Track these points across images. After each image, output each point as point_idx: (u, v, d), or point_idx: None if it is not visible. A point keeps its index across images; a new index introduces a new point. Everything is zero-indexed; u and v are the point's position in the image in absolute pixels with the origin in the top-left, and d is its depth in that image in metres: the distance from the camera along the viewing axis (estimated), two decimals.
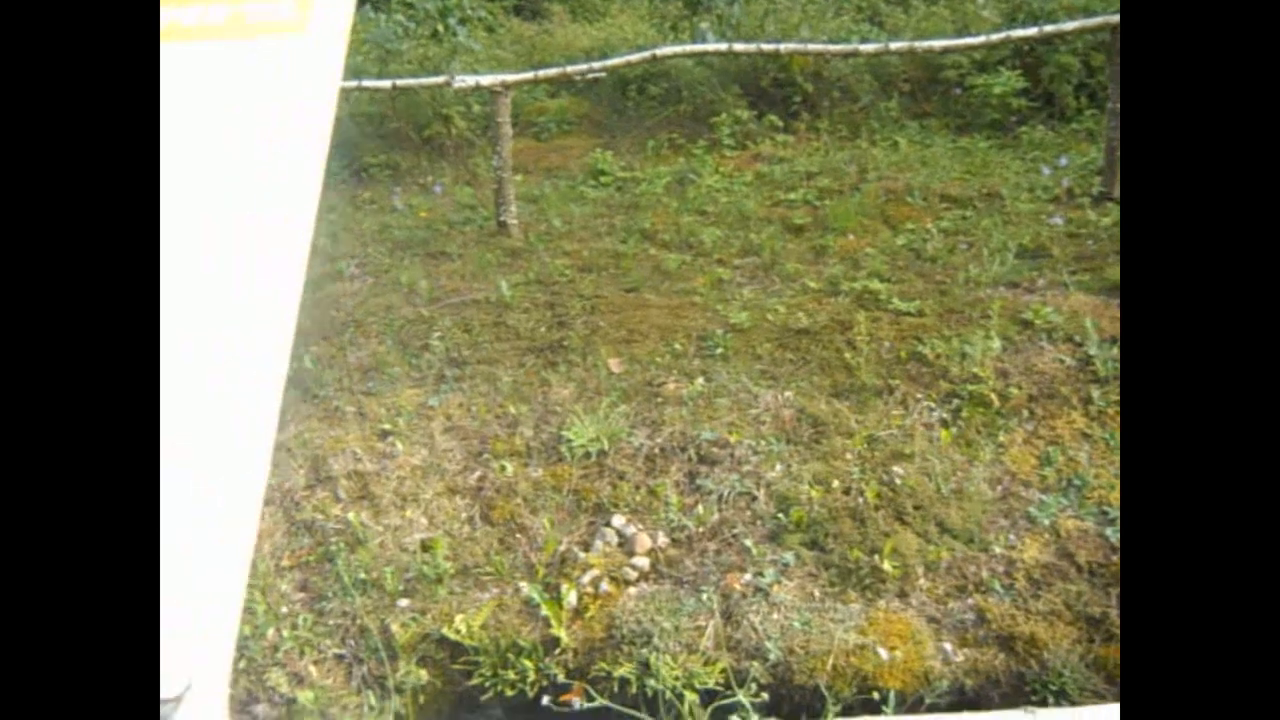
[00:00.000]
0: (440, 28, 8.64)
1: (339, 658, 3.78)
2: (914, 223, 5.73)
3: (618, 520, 4.00)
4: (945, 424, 4.18)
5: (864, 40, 7.98)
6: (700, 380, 4.54)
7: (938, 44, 6.73)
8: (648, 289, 5.42)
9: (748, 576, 3.74)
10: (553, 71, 6.89)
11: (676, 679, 3.43)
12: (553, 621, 3.67)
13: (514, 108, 6.82)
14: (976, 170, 6.43)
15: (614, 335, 4.95)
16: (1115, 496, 3.81)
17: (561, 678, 3.57)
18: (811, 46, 7.17)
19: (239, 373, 0.95)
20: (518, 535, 4.04)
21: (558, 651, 3.64)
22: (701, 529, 3.93)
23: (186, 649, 0.88)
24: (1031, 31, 6.36)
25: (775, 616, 3.59)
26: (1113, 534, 3.68)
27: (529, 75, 6.86)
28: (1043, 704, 3.14)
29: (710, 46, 7.18)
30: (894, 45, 6.70)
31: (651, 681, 3.41)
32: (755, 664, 3.46)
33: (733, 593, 3.70)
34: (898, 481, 3.95)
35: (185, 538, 0.94)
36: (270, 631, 3.74)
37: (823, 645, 3.46)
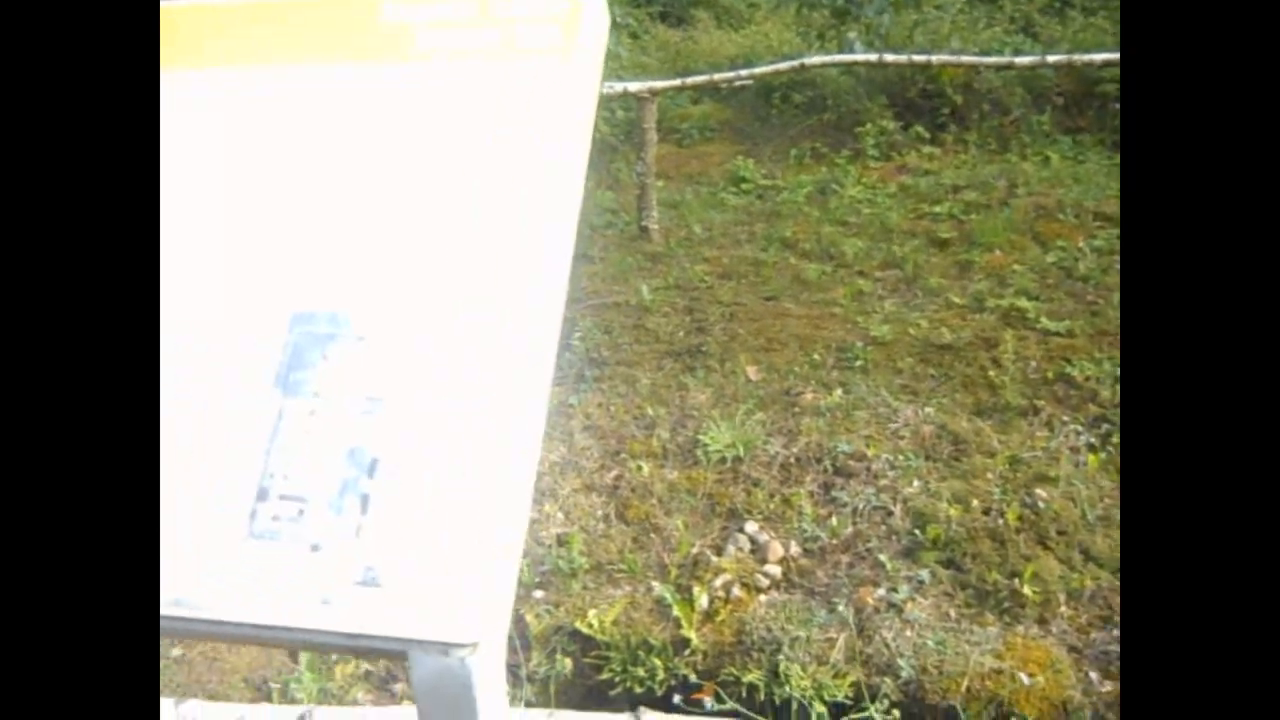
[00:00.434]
0: None
1: None
2: (1065, 240, 5.59)
3: (751, 527, 4.02)
4: (1093, 449, 4.07)
5: (1018, 52, 7.81)
6: (838, 392, 4.53)
7: (1097, 57, 6.54)
8: (787, 298, 5.42)
9: (881, 591, 3.71)
10: (699, 79, 6.94)
11: (806, 689, 3.43)
12: (683, 622, 3.72)
13: (658, 114, 6.90)
14: None
15: (752, 343, 4.97)
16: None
17: (691, 678, 3.61)
18: (964, 58, 7.05)
19: (501, 398, 1.02)
20: (651, 535, 4.09)
21: (687, 652, 3.68)
22: (835, 541, 3.92)
23: (475, 603, 0.95)
24: None
25: (908, 634, 3.56)
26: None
27: (676, 82, 6.93)
28: None
29: (859, 57, 7.14)
30: (1051, 58, 6.55)
31: (780, 689, 3.43)
32: (887, 680, 3.44)
33: (865, 607, 3.68)
34: (1040, 505, 3.87)
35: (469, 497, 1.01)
36: None
37: (957, 666, 3.42)
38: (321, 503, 1.02)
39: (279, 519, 1.02)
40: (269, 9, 1.19)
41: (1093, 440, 4.10)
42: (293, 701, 3.50)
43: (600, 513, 4.22)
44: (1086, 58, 6.54)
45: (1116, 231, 5.63)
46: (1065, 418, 4.21)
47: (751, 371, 4.76)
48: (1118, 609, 3.51)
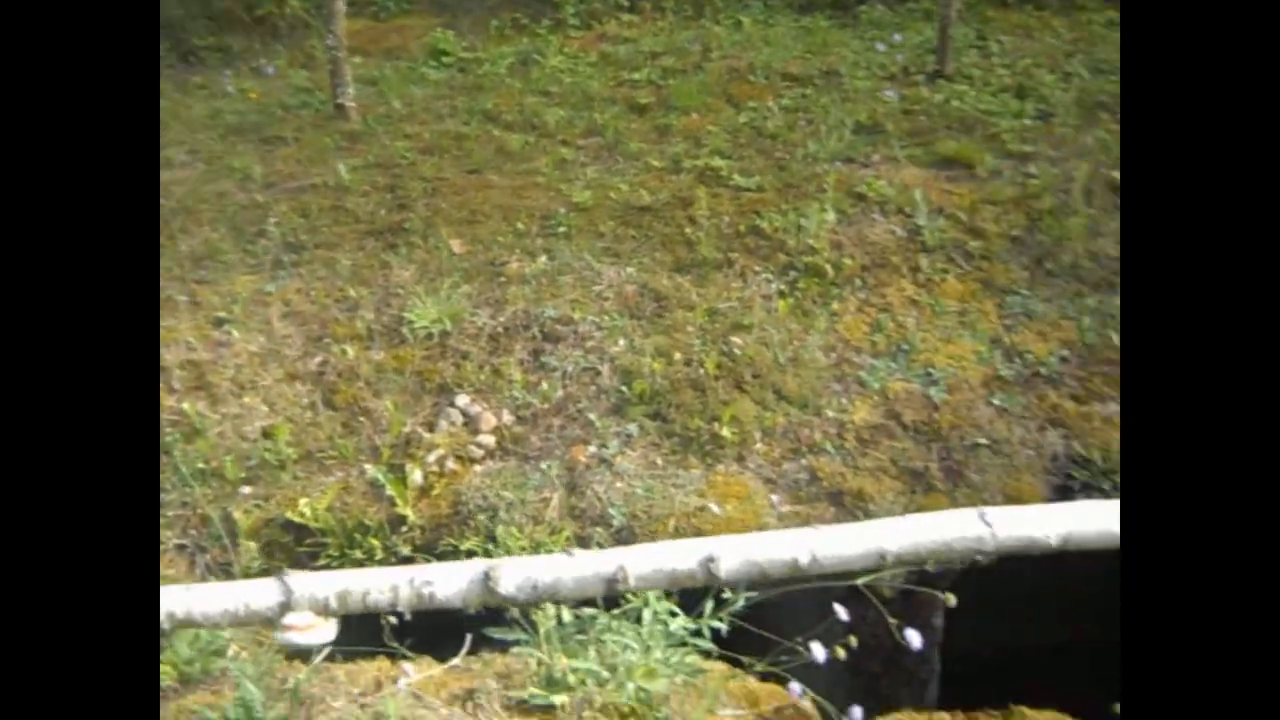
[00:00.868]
0: None
1: (180, 548, 3.72)
2: (756, 101, 5.76)
3: (462, 400, 4.01)
4: (783, 295, 4.29)
5: None
6: (543, 259, 4.53)
7: None
8: (490, 170, 5.33)
9: (592, 449, 3.82)
10: None
11: (523, 548, 3.50)
12: (398, 500, 3.69)
13: None
14: (817, 49, 6.47)
15: (456, 216, 4.88)
16: (939, 359, 4.00)
17: (408, 553, 3.60)
18: None
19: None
20: (361, 419, 4.01)
21: (404, 529, 3.67)
22: (546, 405, 3.97)
23: None
24: None
25: (619, 485, 3.68)
26: (935, 393, 3.87)
27: None
28: None
29: None
30: None
31: (498, 552, 3.48)
32: (599, 530, 3.56)
33: (577, 465, 3.77)
34: (737, 352, 4.06)
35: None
36: None
37: (664, 509, 3.58)
38: None
39: None
40: None
41: (782, 287, 4.33)
42: None
43: (306, 400, 4.08)
44: None
45: (803, 91, 5.86)
46: (757, 268, 4.41)
47: (456, 245, 4.68)
48: (805, 440, 3.77)
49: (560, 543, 3.50)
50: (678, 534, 3.49)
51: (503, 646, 2.88)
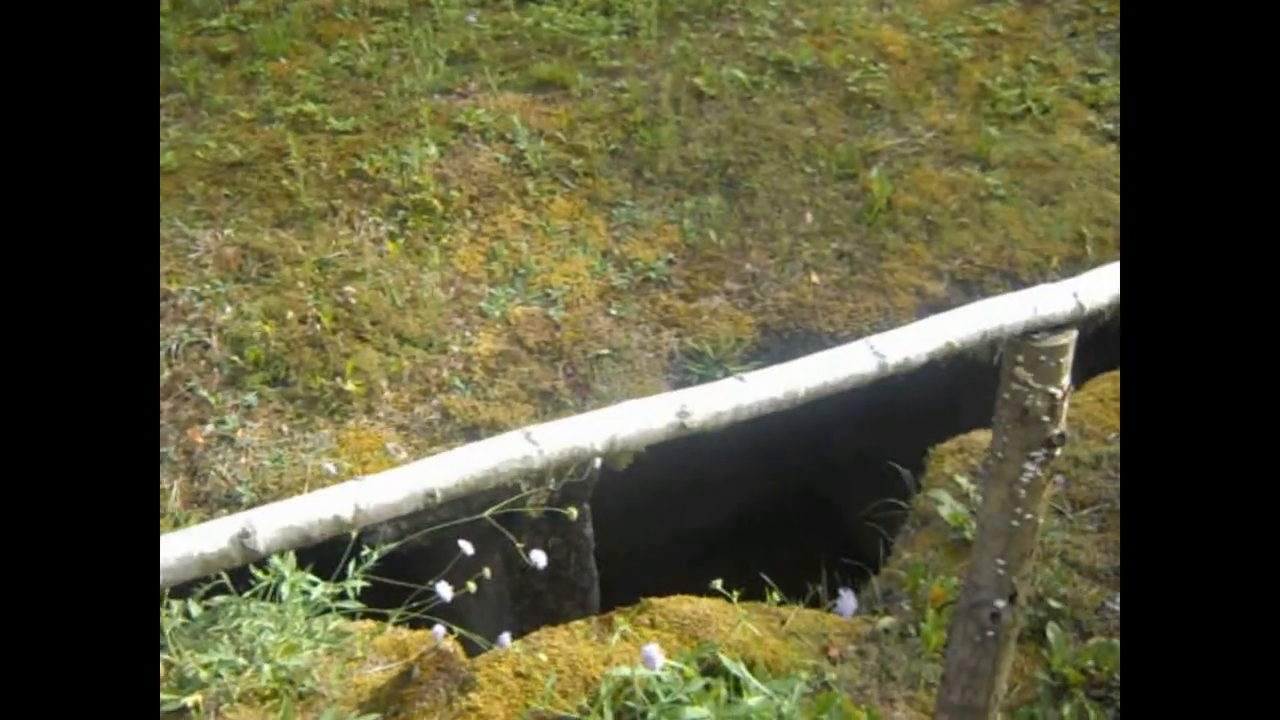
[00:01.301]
0: None
1: None
2: (347, 39, 5.53)
3: None
4: (393, 236, 4.20)
5: None
6: None
7: None
8: None
9: (209, 427, 3.59)
10: None
11: None
12: None
13: None
14: None
15: None
16: (555, 278, 4.07)
17: None
18: None
19: None
20: None
21: None
22: None
23: None
24: None
25: (244, 460, 3.49)
26: (555, 313, 3.95)
27: None
28: None
29: None
30: None
31: None
32: (227, 511, 3.36)
33: (195, 447, 3.54)
34: (353, 301, 3.93)
35: None
36: None
37: (296, 476, 3.44)
38: None
39: None
40: None
41: (392, 228, 4.23)
42: None
43: None
44: None
45: (394, 25, 5.69)
46: (363, 212, 4.27)
47: None
48: (434, 381, 3.73)
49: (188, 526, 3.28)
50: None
51: None
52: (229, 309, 3.89)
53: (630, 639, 2.51)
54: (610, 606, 2.94)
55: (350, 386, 3.65)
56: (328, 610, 2.73)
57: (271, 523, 1.21)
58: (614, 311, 3.98)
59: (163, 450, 3.52)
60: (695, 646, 2.43)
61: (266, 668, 2.46)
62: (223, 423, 3.58)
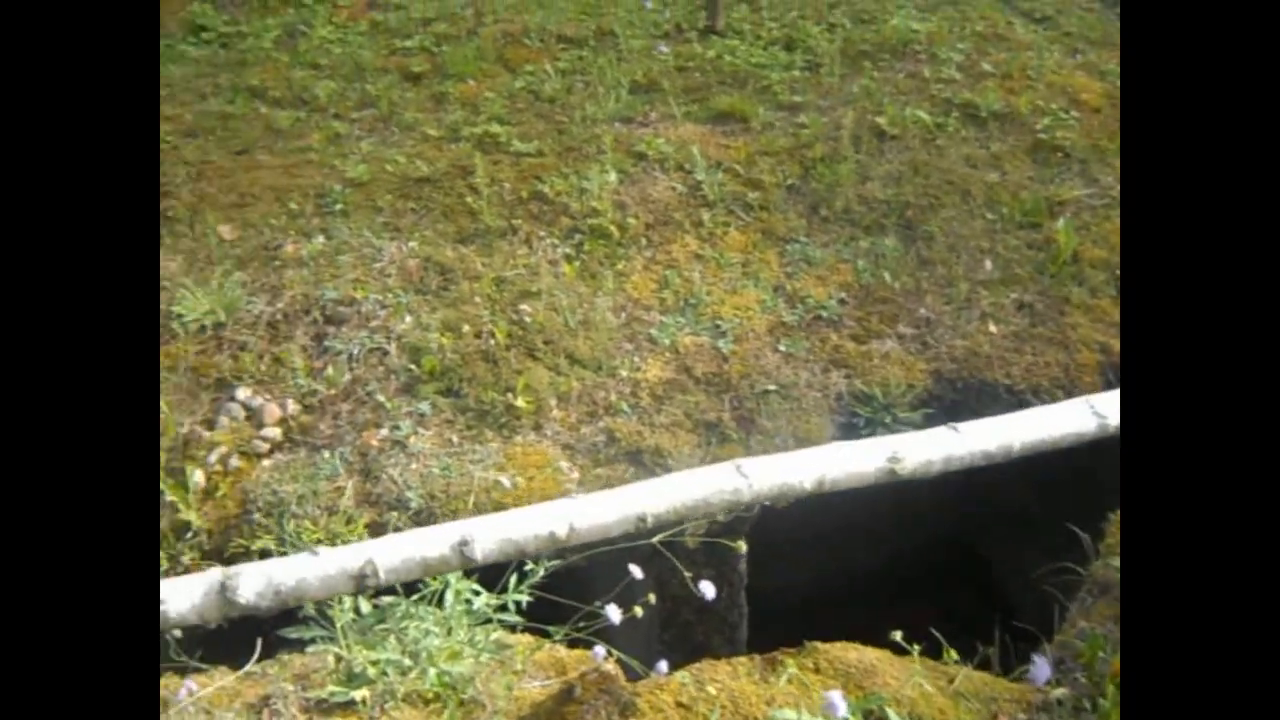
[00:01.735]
0: None
1: None
2: (532, 64, 5.69)
3: (243, 393, 3.81)
4: (569, 258, 4.27)
5: None
6: (320, 239, 4.35)
7: None
8: (259, 150, 5.07)
9: (384, 432, 3.70)
10: None
11: (318, 542, 3.37)
12: (180, 505, 3.48)
13: None
14: (590, 10, 6.44)
15: (224, 201, 4.62)
16: (725, 310, 4.07)
17: (196, 561, 3.41)
18: None
19: None
20: None
21: (190, 535, 3.46)
22: (333, 391, 3.83)
23: None
24: None
25: (414, 466, 3.59)
26: (724, 345, 3.94)
27: None
28: None
29: None
30: None
31: (293, 548, 3.34)
32: (397, 514, 3.46)
33: (370, 450, 3.65)
34: (527, 319, 4.01)
35: None
36: None
37: (463, 486, 3.51)
38: None
39: None
40: None
41: (568, 251, 4.30)
42: None
43: None
44: None
45: (579, 53, 5.82)
46: (542, 233, 4.37)
47: (225, 230, 4.43)
48: (601, 403, 3.77)
49: (358, 531, 3.39)
50: (478, 511, 3.43)
51: (301, 646, 2.77)
52: (409, 319, 4.02)
53: (794, 681, 2.46)
54: (756, 644, 2.90)
55: (520, 403, 3.72)
56: (489, 620, 2.77)
57: (490, 534, 1.23)
58: (783, 348, 3.95)
59: (339, 450, 3.65)
60: (860, 696, 2.37)
61: (431, 671, 2.51)
62: (397, 428, 3.69)
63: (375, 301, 4.08)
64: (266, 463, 3.66)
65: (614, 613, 2.35)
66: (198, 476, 3.55)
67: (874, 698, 2.32)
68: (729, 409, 3.76)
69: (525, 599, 2.86)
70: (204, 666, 2.63)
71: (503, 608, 2.87)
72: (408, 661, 2.60)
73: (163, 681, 2.60)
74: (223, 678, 2.61)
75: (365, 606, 2.77)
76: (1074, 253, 4.21)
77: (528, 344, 3.94)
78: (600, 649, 2.62)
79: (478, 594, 2.86)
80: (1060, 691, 2.61)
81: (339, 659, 2.59)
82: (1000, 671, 2.67)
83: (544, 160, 4.73)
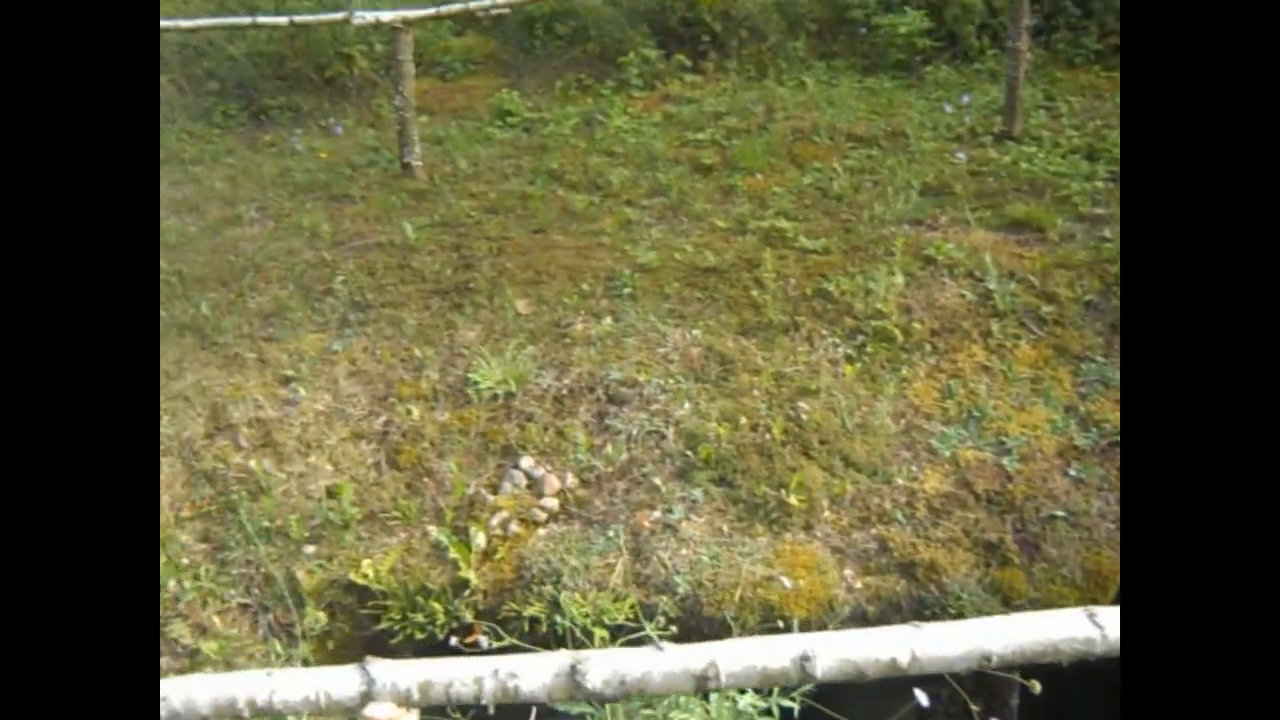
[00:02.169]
0: None
1: (244, 607, 3.72)
2: (821, 162, 5.74)
3: (526, 462, 3.98)
4: (850, 359, 4.23)
5: None
6: (608, 320, 4.52)
7: None
8: (555, 230, 5.35)
9: (656, 514, 3.76)
10: (455, 7, 6.70)
11: (586, 616, 3.44)
12: (461, 564, 3.66)
13: (417, 46, 6.64)
14: (882, 110, 6.45)
15: (521, 277, 4.89)
16: (1012, 427, 3.91)
17: (470, 619, 3.56)
18: None
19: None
20: (425, 479, 4.00)
21: (467, 593, 3.63)
22: (610, 468, 3.93)
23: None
24: None
25: (684, 552, 3.62)
26: (1009, 463, 3.78)
27: (431, 11, 6.66)
28: None
29: None
30: None
31: (562, 619, 3.43)
32: (664, 598, 3.50)
33: (642, 530, 3.72)
34: (804, 417, 4.00)
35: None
36: (171, 583, 3.66)
37: (730, 578, 3.51)
38: None
39: None
40: None
41: (849, 352, 4.27)
42: None
43: (370, 460, 4.08)
44: None
45: (868, 152, 5.84)
46: (824, 331, 4.36)
47: (521, 305, 4.69)
48: (875, 510, 3.69)
49: (624, 610, 3.44)
50: (744, 605, 3.42)
51: None
52: (688, 405, 4.10)
53: None
54: None
55: (793, 500, 3.69)
56: None
57: (831, 652, 1.21)
58: (1073, 472, 3.74)
59: (613, 527, 3.74)
60: None
61: None
62: (669, 512, 3.74)
63: (657, 385, 4.18)
64: (542, 531, 3.79)
65: None
66: (479, 538, 3.73)
67: None
68: (1011, 531, 3.58)
69: (794, 706, 2.81)
70: None
71: (767, 711, 2.83)
72: None
73: None
74: None
75: None
76: None
77: (803, 441, 3.92)
78: None
79: (743, 692, 2.84)
80: None
81: None
82: None
83: (830, 258, 4.74)
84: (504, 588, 3.65)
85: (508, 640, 3.31)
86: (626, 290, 4.70)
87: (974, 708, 2.43)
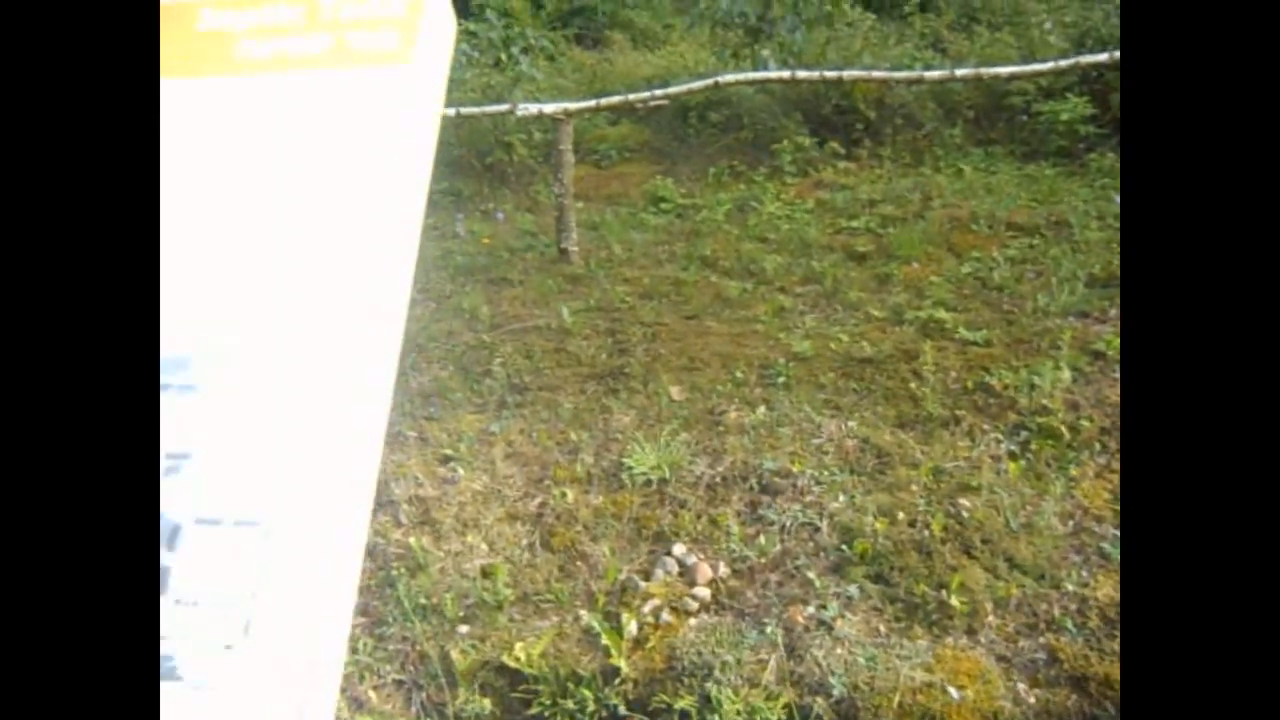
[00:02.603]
0: (503, 56, 8.74)
1: (398, 683, 3.78)
2: (980, 251, 5.65)
3: (679, 549, 3.97)
4: (1014, 456, 4.09)
5: (927, 67, 7.92)
6: (762, 409, 4.50)
7: (1004, 70, 6.65)
8: (709, 316, 5.39)
9: (811, 609, 3.68)
10: (614, 100, 6.92)
11: (738, 713, 3.37)
12: (612, 651, 3.64)
13: (575, 135, 6.86)
14: (1044, 198, 6.32)
15: (675, 362, 4.93)
16: None
17: (621, 709, 3.53)
18: (875, 74, 7.12)
19: (344, 409, 0.94)
20: (578, 563, 4.02)
21: (618, 682, 3.60)
22: (763, 560, 3.88)
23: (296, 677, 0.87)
24: (1101, 57, 6.25)
25: (839, 651, 3.52)
26: None
27: (590, 103, 6.89)
28: None
29: (772, 74, 7.17)
30: (959, 72, 6.64)
31: (712, 715, 3.36)
32: (819, 700, 3.39)
33: (795, 626, 3.64)
34: (965, 514, 3.87)
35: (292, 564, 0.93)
36: None
37: (888, 682, 3.39)
38: None
39: None
40: None
41: (1013, 448, 4.13)
42: None
43: (525, 542, 4.13)
44: (994, 71, 6.64)
45: (1029, 240, 5.71)
46: (985, 426, 4.23)
47: (675, 391, 4.71)
48: (1043, 616, 3.52)
49: (777, 711, 3.36)
50: (903, 712, 3.29)
51: None
52: (842, 498, 4.02)
53: None
54: None
55: (954, 602, 3.56)
56: None
57: None
58: None
59: (765, 621, 3.67)
60: None
61: None
62: (824, 608, 3.65)
63: (811, 477, 4.12)
64: (693, 621, 3.75)
65: None
66: (632, 625, 3.71)
67: None
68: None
69: None
70: None
71: None
72: None
73: None
74: None
75: None
76: None
77: (964, 540, 3.79)
78: None
79: None
80: None
81: None
82: None
83: (991, 350, 4.63)
84: (654, 677, 3.61)
85: None
86: (780, 379, 4.67)
87: None
